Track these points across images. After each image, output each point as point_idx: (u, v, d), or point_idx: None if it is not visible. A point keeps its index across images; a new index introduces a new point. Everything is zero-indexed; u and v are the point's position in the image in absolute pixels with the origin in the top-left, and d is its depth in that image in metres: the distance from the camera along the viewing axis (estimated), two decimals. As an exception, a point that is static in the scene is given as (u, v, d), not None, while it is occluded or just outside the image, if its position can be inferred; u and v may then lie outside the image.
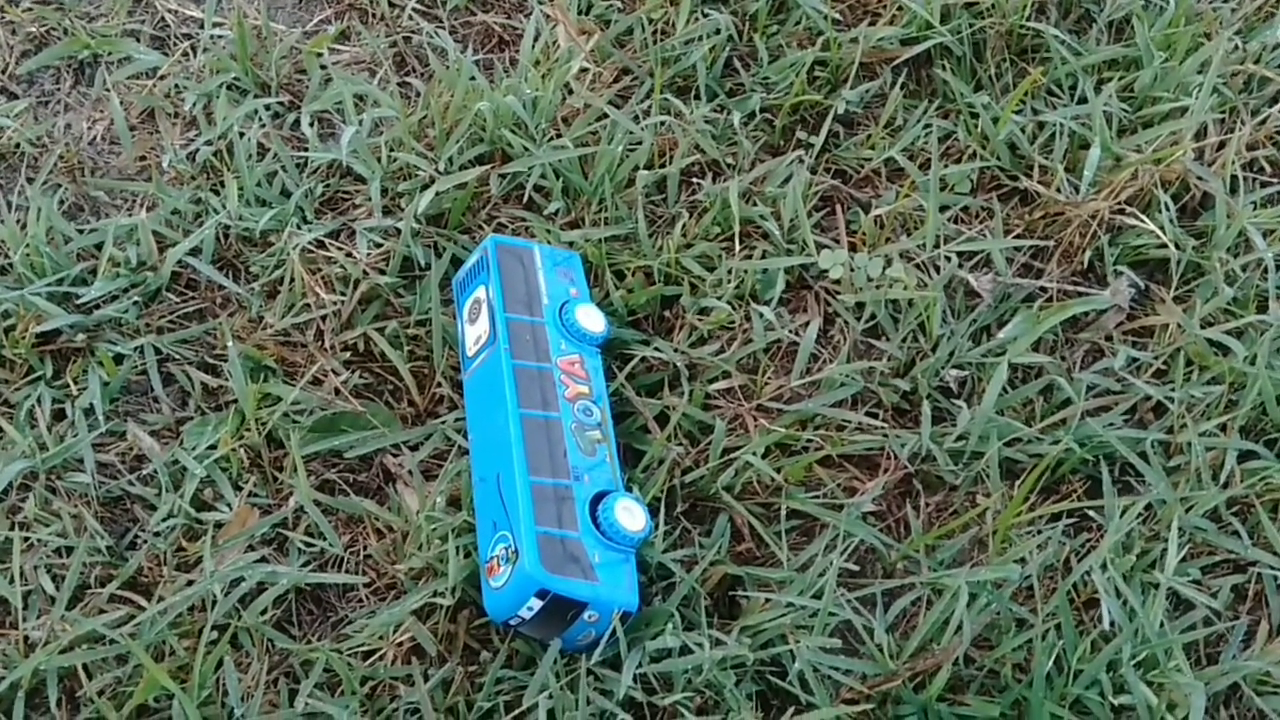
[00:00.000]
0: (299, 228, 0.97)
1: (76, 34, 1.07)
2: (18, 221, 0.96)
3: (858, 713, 0.76)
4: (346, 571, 0.83)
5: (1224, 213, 0.97)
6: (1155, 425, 0.90)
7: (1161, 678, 0.77)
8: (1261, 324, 0.92)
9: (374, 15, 1.12)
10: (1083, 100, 1.04)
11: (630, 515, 0.79)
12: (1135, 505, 0.84)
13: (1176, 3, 1.07)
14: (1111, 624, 0.78)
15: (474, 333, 0.89)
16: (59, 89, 1.07)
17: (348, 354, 0.92)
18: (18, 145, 1.02)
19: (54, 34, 1.09)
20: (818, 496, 0.86)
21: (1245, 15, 1.09)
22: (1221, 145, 1.01)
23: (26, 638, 0.80)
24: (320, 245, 0.96)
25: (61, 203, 0.99)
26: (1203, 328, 0.92)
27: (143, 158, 1.03)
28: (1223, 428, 0.89)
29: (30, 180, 1.00)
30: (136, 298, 0.94)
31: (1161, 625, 0.79)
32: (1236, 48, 1.07)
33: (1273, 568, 0.84)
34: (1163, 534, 0.83)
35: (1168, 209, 0.98)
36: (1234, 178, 1.00)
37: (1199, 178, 0.99)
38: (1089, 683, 0.77)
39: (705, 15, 1.08)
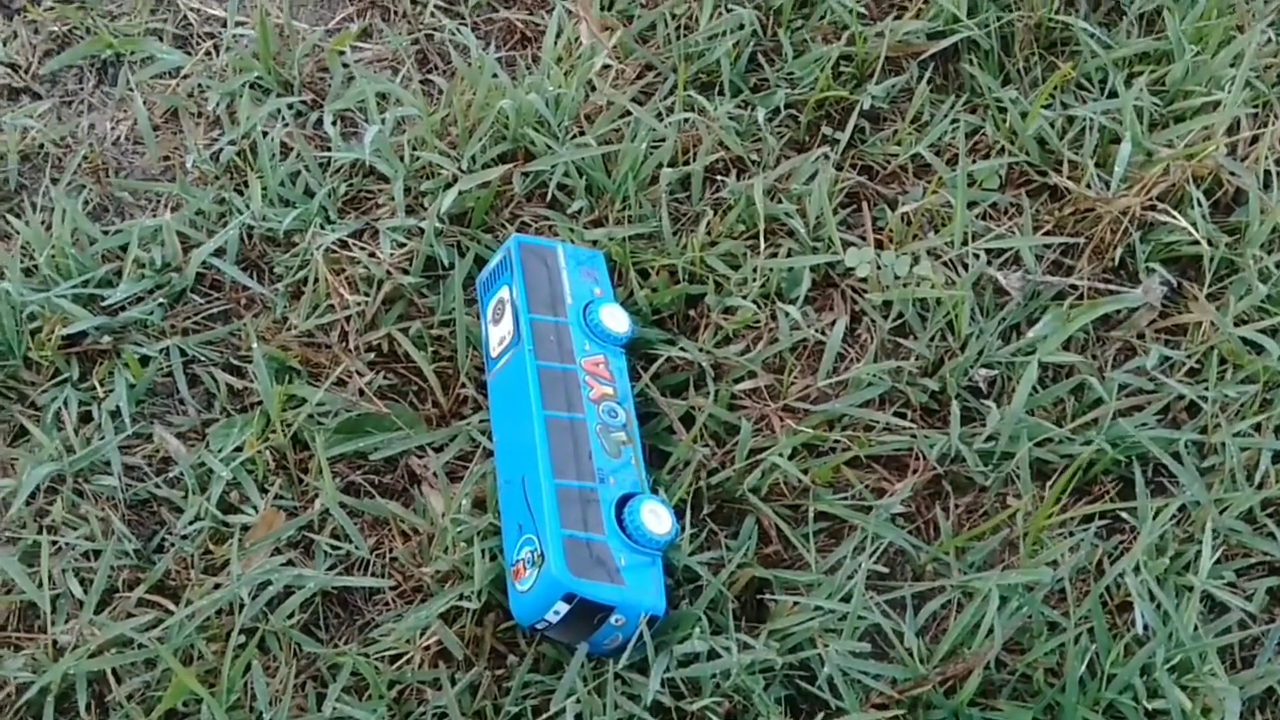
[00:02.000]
0: (322, 227, 0.97)
1: (99, 33, 1.07)
2: (43, 223, 0.96)
3: (888, 718, 0.76)
4: (372, 574, 0.83)
5: (1257, 208, 0.96)
6: (1189, 425, 0.89)
7: (1196, 682, 0.76)
8: (1297, 322, 0.91)
9: (396, 12, 1.11)
10: (1113, 94, 1.02)
11: (656, 518, 0.79)
12: (1169, 507, 0.82)
13: (1208, -6, 1.06)
14: (1145, 628, 0.77)
15: (498, 333, 0.88)
16: (82, 89, 1.07)
17: (372, 355, 0.92)
18: (41, 146, 1.02)
19: (76, 33, 1.09)
20: (846, 498, 0.86)
21: (1278, 7, 1.07)
22: (1255, 140, 1.00)
23: (55, 642, 0.80)
24: (344, 245, 0.96)
25: (86, 204, 0.99)
26: (1236, 325, 0.91)
27: (166, 158, 1.03)
28: (1257, 427, 0.88)
29: (55, 181, 1.00)
30: (162, 299, 0.94)
31: (1196, 629, 0.78)
32: (1270, 40, 1.05)
33: (1309, 570, 0.83)
34: (1197, 536, 0.82)
35: (1200, 205, 0.96)
36: (1267, 173, 0.98)
37: (1232, 173, 0.98)
38: (1123, 687, 0.76)
39: (729, 10, 1.07)
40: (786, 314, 0.93)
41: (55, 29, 1.09)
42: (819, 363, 0.92)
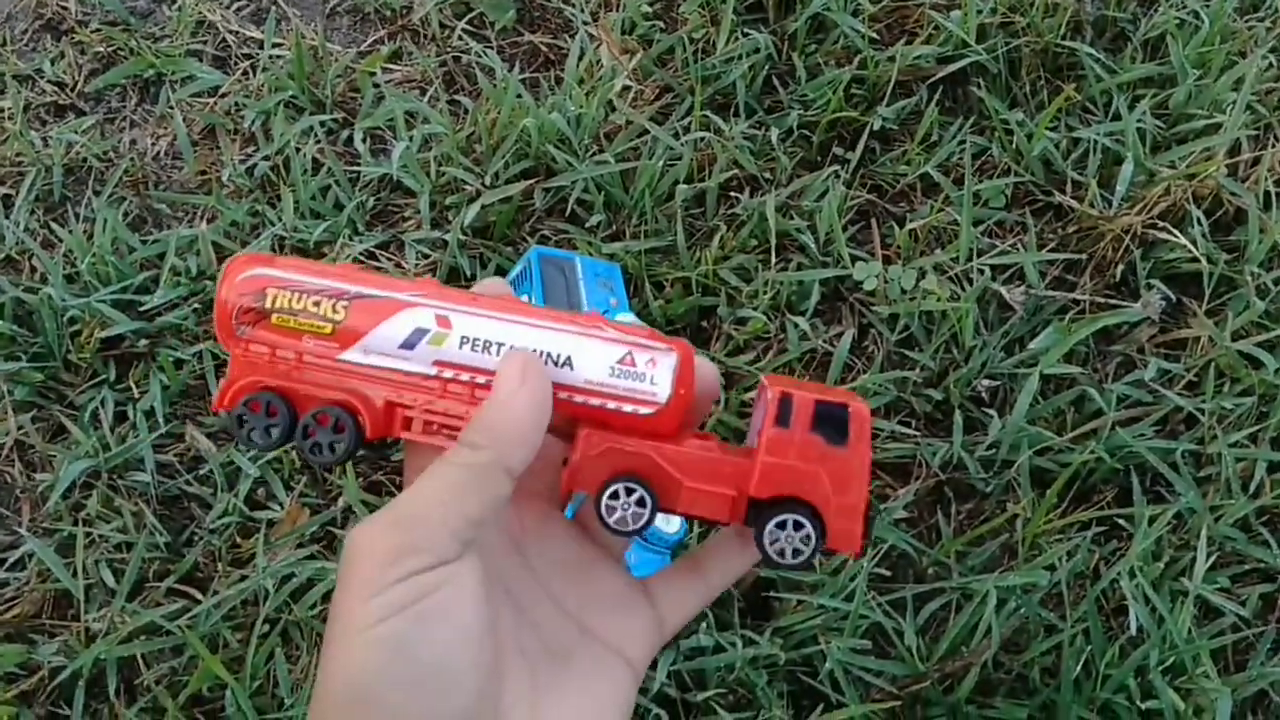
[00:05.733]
0: (351, 239, 1.01)
1: (142, 54, 1.12)
2: (85, 232, 1.01)
3: (886, 709, 0.78)
4: (392, 569, 0.86)
5: (1257, 228, 0.98)
6: (1186, 436, 0.91)
7: (1189, 684, 0.78)
8: (1293, 337, 0.93)
9: (425, 36, 1.16)
10: (1116, 117, 1.05)
11: (665, 518, 0.81)
12: (1165, 514, 0.85)
13: (1211, 21, 1.08)
14: (1139, 629, 0.80)
15: (517, 340, 0.91)
16: (125, 106, 1.12)
17: (396, 360, 0.95)
18: (85, 160, 1.07)
19: (121, 54, 1.14)
20: (850, 502, 0.88)
21: (1279, 34, 1.10)
22: (1255, 161, 1.02)
23: (88, 629, 0.84)
24: (371, 255, 1.00)
25: (126, 215, 1.04)
26: (1234, 340, 0.93)
27: (203, 172, 1.07)
28: (1253, 438, 0.90)
29: (97, 193, 1.05)
30: (196, 305, 0.98)
31: (1189, 632, 0.80)
32: (1270, 65, 1.08)
33: (1303, 578, 0.85)
34: (1192, 542, 0.84)
35: (1200, 224, 0.99)
36: (1267, 193, 1.01)
37: (1232, 193, 1.00)
38: (1117, 688, 0.78)
39: (745, 35, 1.11)
40: (796, 325, 0.96)
41: (101, 49, 1.14)
42: (827, 372, 0.95)
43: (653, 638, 0.44)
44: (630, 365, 0.41)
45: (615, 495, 0.41)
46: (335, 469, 0.90)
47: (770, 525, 0.40)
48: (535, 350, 0.41)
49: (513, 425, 0.39)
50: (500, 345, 0.41)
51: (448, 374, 0.41)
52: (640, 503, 0.41)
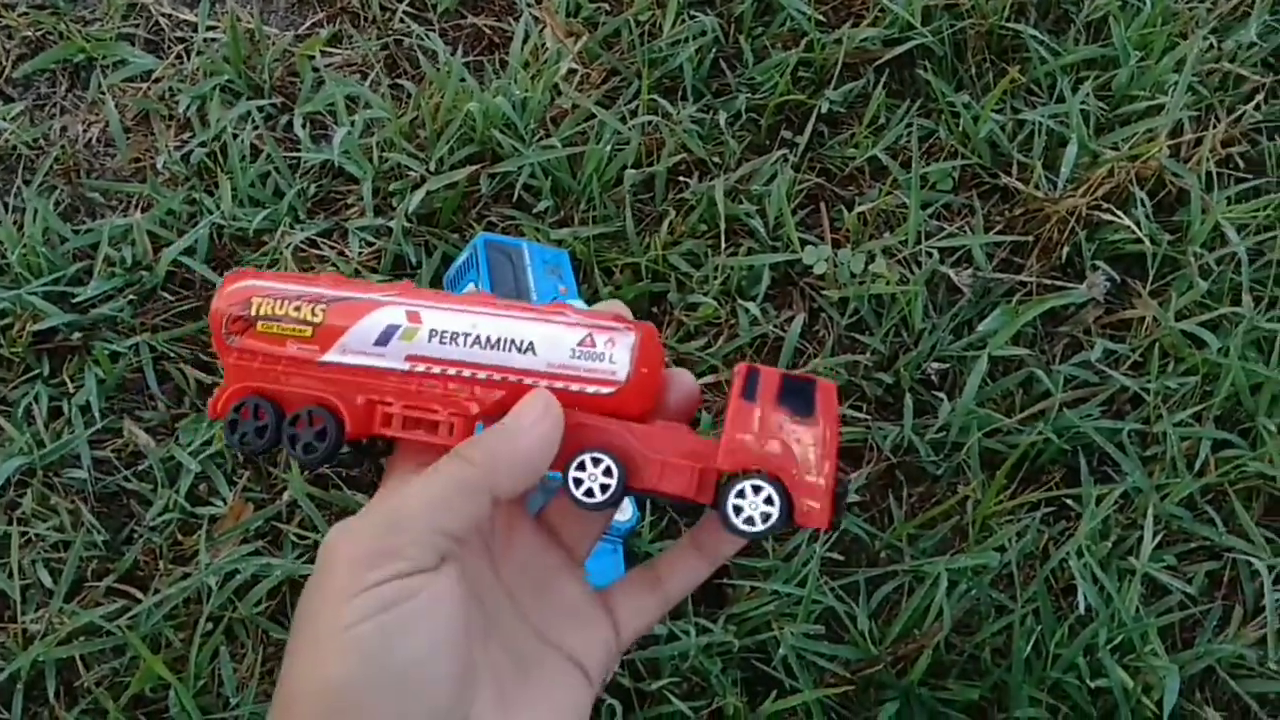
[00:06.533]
0: (292, 227, 0.98)
1: (72, 38, 1.09)
2: (15, 223, 0.98)
3: (839, 694, 0.78)
4: (340, 563, 0.85)
5: (1199, 208, 0.99)
6: (1132, 416, 0.92)
7: (1138, 661, 0.79)
8: (1235, 316, 0.94)
9: (365, 18, 1.13)
10: (1061, 99, 1.06)
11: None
12: (1112, 493, 0.85)
13: (1153, 2, 1.09)
14: (1088, 609, 0.80)
15: (464, 329, 0.90)
16: (55, 92, 1.08)
17: (340, 351, 0.93)
18: (14, 148, 1.03)
19: (50, 38, 1.10)
20: (802, 487, 0.88)
21: (1221, 15, 1.11)
22: (1197, 142, 1.03)
23: (25, 630, 0.82)
24: (313, 244, 0.98)
25: (58, 204, 1.01)
26: (1178, 320, 0.94)
27: (138, 159, 1.04)
28: (1198, 417, 0.91)
29: (27, 182, 1.01)
30: (132, 297, 0.95)
31: (1137, 610, 0.81)
32: (1212, 46, 1.09)
33: (1246, 554, 0.86)
34: (1139, 521, 0.85)
35: (1144, 205, 0.99)
36: (1209, 174, 1.02)
37: (1174, 174, 1.01)
38: (1067, 667, 0.79)
39: (692, 17, 1.10)
40: (747, 310, 0.95)
41: (29, 34, 1.10)
42: (778, 358, 0.94)
43: (610, 648, 0.44)
44: (590, 346, 0.42)
45: (582, 466, 0.41)
46: (298, 464, 0.88)
47: (731, 496, 0.40)
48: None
49: (514, 456, 0.39)
50: (467, 336, 0.42)
51: (420, 368, 0.42)
52: (607, 472, 0.41)
